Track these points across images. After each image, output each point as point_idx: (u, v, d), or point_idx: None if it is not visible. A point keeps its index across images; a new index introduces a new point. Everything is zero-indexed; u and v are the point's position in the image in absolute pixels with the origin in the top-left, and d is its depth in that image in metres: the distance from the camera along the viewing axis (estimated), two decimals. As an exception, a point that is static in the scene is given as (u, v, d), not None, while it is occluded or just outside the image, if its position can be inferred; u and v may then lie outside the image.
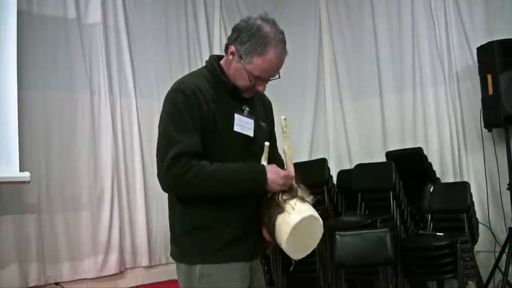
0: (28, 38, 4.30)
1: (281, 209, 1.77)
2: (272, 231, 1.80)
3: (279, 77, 1.92)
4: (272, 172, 1.82)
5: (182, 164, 1.76)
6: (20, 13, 4.11)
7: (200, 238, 1.84)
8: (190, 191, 1.80)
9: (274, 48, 1.83)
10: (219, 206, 1.83)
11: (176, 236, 1.91)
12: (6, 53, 3.90)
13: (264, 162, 1.89)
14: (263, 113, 2.06)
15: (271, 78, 1.91)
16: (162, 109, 1.89)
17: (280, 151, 2.06)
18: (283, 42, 1.86)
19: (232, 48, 1.87)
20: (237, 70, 1.87)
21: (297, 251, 1.81)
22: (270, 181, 1.81)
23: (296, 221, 1.73)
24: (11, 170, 3.87)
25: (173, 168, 1.76)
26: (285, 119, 1.88)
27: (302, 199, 1.80)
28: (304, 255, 1.83)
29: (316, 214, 1.79)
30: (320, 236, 1.84)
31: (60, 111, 4.52)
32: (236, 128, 1.88)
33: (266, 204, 1.83)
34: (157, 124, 1.90)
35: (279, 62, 1.87)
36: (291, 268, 1.96)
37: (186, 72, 1.96)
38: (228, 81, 1.90)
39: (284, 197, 1.80)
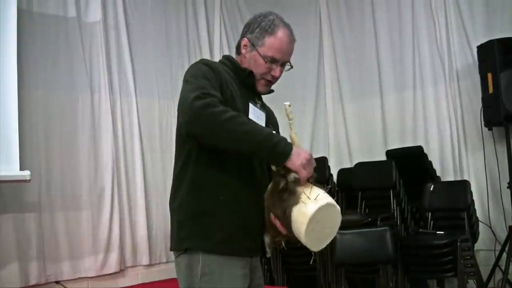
0: (29, 37, 4.30)
1: (295, 200, 1.68)
2: (288, 224, 1.71)
3: (292, 67, 1.97)
4: (299, 150, 1.71)
5: (213, 99, 1.68)
6: (20, 11, 4.11)
7: (205, 224, 1.80)
8: (213, 124, 1.66)
9: (283, 28, 1.92)
10: (228, 192, 1.81)
11: (180, 222, 1.84)
12: (7, 51, 3.90)
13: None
14: (269, 115, 2.08)
15: (285, 64, 1.94)
16: (184, 80, 1.84)
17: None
18: (290, 28, 1.94)
19: (244, 40, 1.95)
20: (252, 58, 1.92)
21: (316, 242, 1.73)
22: (294, 155, 1.68)
23: (314, 211, 1.64)
24: (12, 169, 3.87)
25: (204, 99, 1.67)
26: (289, 105, 1.82)
27: (317, 186, 1.71)
28: (324, 245, 1.76)
29: (332, 201, 1.70)
30: (339, 223, 1.76)
31: (60, 110, 4.52)
32: (251, 116, 1.88)
33: (278, 197, 1.73)
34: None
35: (290, 42, 1.93)
36: (311, 260, 1.91)
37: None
38: (244, 68, 1.94)
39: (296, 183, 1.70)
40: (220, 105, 1.68)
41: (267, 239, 1.88)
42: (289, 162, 1.69)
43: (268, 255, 1.95)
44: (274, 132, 1.74)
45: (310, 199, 1.66)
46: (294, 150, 1.70)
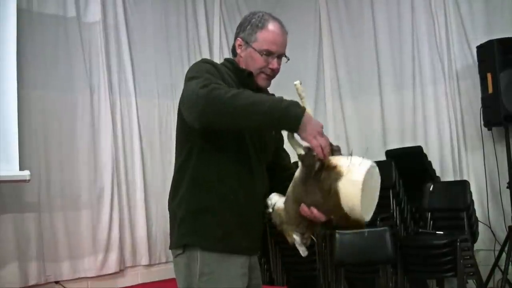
0: (28, 36, 4.29)
1: (338, 173, 1.59)
2: (333, 204, 1.60)
3: (288, 59, 1.98)
4: (311, 117, 1.67)
5: (217, 83, 1.71)
6: (20, 11, 4.10)
7: (205, 221, 1.81)
8: (220, 104, 1.64)
9: (273, 21, 1.95)
10: (228, 189, 1.82)
11: (179, 220, 1.85)
12: (6, 51, 3.90)
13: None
14: None
15: (281, 56, 1.95)
16: (186, 79, 1.82)
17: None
18: (280, 21, 1.97)
19: (238, 40, 1.97)
20: (248, 56, 1.94)
21: (367, 210, 1.65)
22: (307, 120, 1.63)
23: (363, 175, 1.56)
24: (11, 169, 3.87)
25: (207, 86, 1.67)
26: (300, 83, 1.76)
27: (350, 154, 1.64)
28: (372, 212, 1.69)
29: (373, 162, 1.64)
30: (379, 184, 1.70)
31: (60, 110, 4.52)
32: None
33: (314, 180, 1.63)
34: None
35: (282, 34, 1.95)
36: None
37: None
38: (243, 69, 1.95)
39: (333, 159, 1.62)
40: (223, 87, 1.70)
41: (297, 238, 1.81)
42: (301, 128, 1.64)
43: (305, 253, 1.89)
44: (282, 97, 1.71)
45: (353, 165, 1.59)
46: (306, 116, 1.64)
